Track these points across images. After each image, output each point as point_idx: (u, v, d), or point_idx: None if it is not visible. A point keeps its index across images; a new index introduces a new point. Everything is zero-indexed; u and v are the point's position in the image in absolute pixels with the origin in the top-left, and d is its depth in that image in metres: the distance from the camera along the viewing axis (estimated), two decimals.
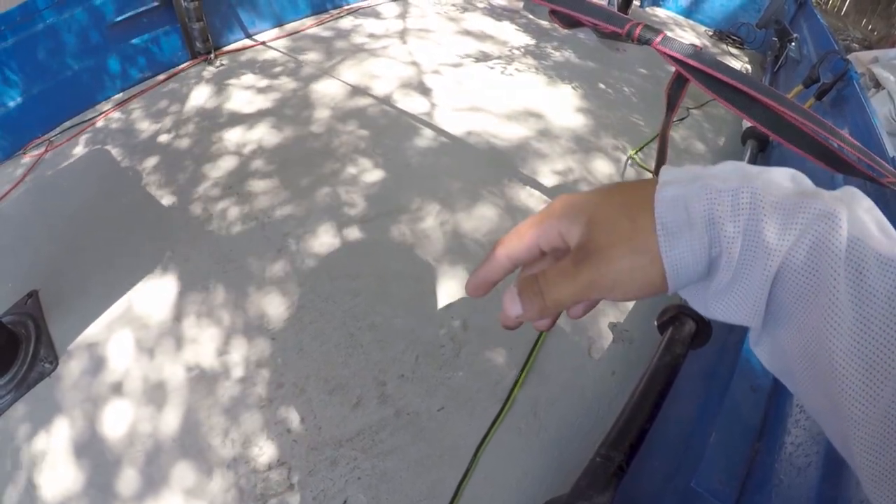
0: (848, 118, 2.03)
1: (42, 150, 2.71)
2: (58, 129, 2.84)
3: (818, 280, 0.30)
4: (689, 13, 4.90)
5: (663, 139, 1.83)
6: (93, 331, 1.83)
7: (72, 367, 1.73)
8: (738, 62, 4.15)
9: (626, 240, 0.33)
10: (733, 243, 0.31)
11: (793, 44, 3.49)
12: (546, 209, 0.39)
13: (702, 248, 0.32)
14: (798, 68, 3.26)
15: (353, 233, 2.16)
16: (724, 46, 4.41)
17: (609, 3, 4.03)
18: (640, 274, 0.33)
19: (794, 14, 3.98)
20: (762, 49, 4.30)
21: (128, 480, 1.46)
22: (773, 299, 0.33)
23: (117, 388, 1.65)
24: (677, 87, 1.53)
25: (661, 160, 1.92)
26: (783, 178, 0.33)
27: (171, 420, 1.57)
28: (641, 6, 4.92)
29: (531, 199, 2.39)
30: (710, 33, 4.62)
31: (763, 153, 2.53)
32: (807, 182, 0.35)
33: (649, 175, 2.58)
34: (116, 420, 1.58)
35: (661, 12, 4.97)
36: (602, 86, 3.39)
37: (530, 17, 4.37)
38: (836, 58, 2.52)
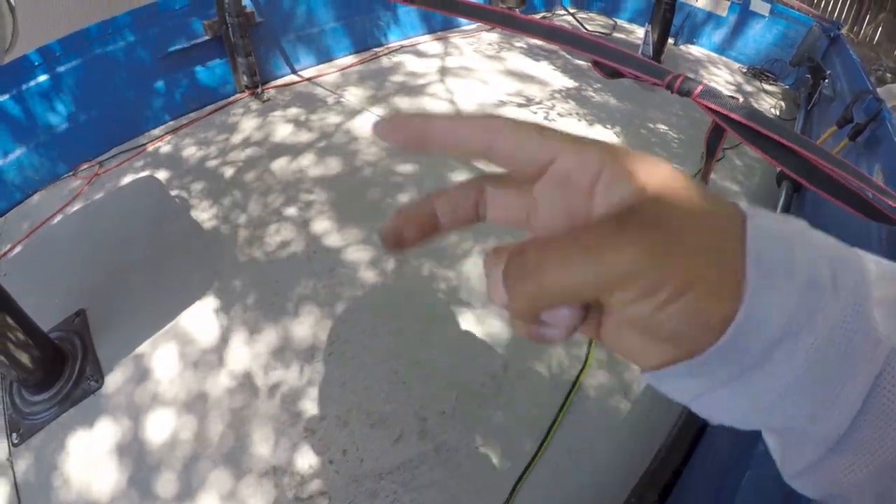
0: (881, 158, 2.05)
1: (92, 172, 2.84)
2: (108, 154, 2.99)
3: None
4: (722, 50, 4.93)
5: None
6: (139, 353, 1.91)
7: (117, 388, 1.80)
8: (772, 99, 4.16)
9: (707, 232, 0.22)
10: (827, 321, 0.21)
11: (826, 81, 3.51)
12: (579, 137, 0.25)
13: (789, 311, 0.21)
14: (832, 106, 3.27)
15: (398, 269, 2.23)
16: (757, 83, 4.43)
17: (645, 40, 4.10)
18: (705, 301, 0.21)
19: (827, 49, 4.00)
20: (795, 86, 4.31)
21: None
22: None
23: (162, 413, 1.73)
24: (715, 136, 1.57)
25: None
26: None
27: (216, 449, 1.63)
28: (676, 44, 4.97)
29: None
30: (744, 70, 4.64)
31: (798, 194, 2.54)
32: None
33: None
34: (158, 443, 1.65)
35: (695, 50, 5.01)
36: (641, 130, 3.44)
37: (567, 56, 4.44)
38: (870, 97, 2.53)
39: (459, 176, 2.80)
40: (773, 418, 0.24)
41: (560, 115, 3.55)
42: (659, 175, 0.23)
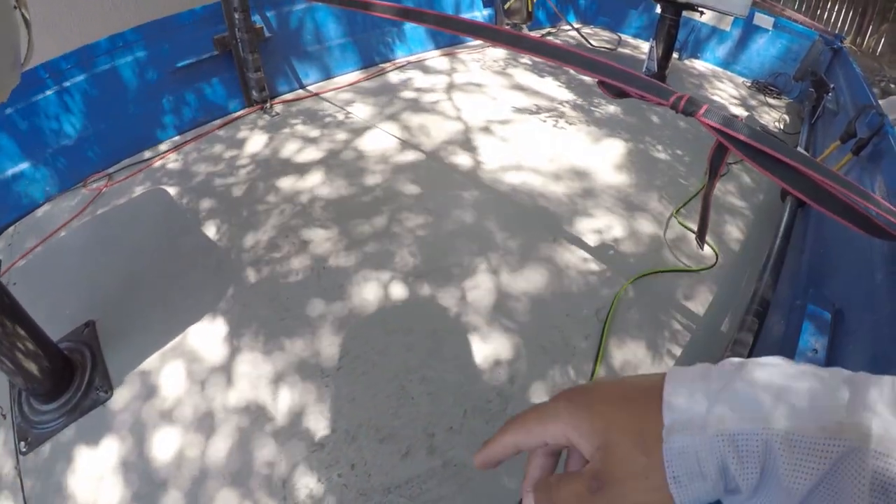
0: (884, 172, 2.06)
1: (102, 184, 2.87)
2: (117, 166, 3.01)
3: None
4: (726, 64, 4.96)
5: (706, 204, 1.88)
6: (148, 365, 1.91)
7: (126, 399, 1.81)
8: (776, 113, 4.18)
9: (642, 477, 0.34)
10: (750, 484, 0.32)
11: (829, 94, 3.53)
12: (551, 409, 0.40)
13: (716, 490, 0.33)
14: (835, 119, 3.29)
15: (407, 287, 2.24)
16: (761, 97, 4.45)
17: (650, 55, 4.13)
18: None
19: (830, 62, 4.02)
20: (799, 99, 4.32)
21: None
22: None
23: (169, 424, 1.74)
24: (719, 154, 1.59)
25: (703, 224, 1.96)
26: (824, 397, 0.32)
27: (223, 460, 1.64)
28: (680, 59, 5.01)
29: (576, 258, 2.44)
30: (748, 84, 4.67)
31: (802, 209, 2.55)
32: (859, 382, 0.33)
33: (691, 234, 2.61)
34: (166, 451, 1.66)
35: (699, 64, 5.05)
36: (647, 139, 3.47)
37: (572, 72, 4.47)
38: (872, 112, 2.55)
39: (465, 192, 2.82)
40: None
41: (565, 126, 3.58)
42: (601, 435, 0.37)
